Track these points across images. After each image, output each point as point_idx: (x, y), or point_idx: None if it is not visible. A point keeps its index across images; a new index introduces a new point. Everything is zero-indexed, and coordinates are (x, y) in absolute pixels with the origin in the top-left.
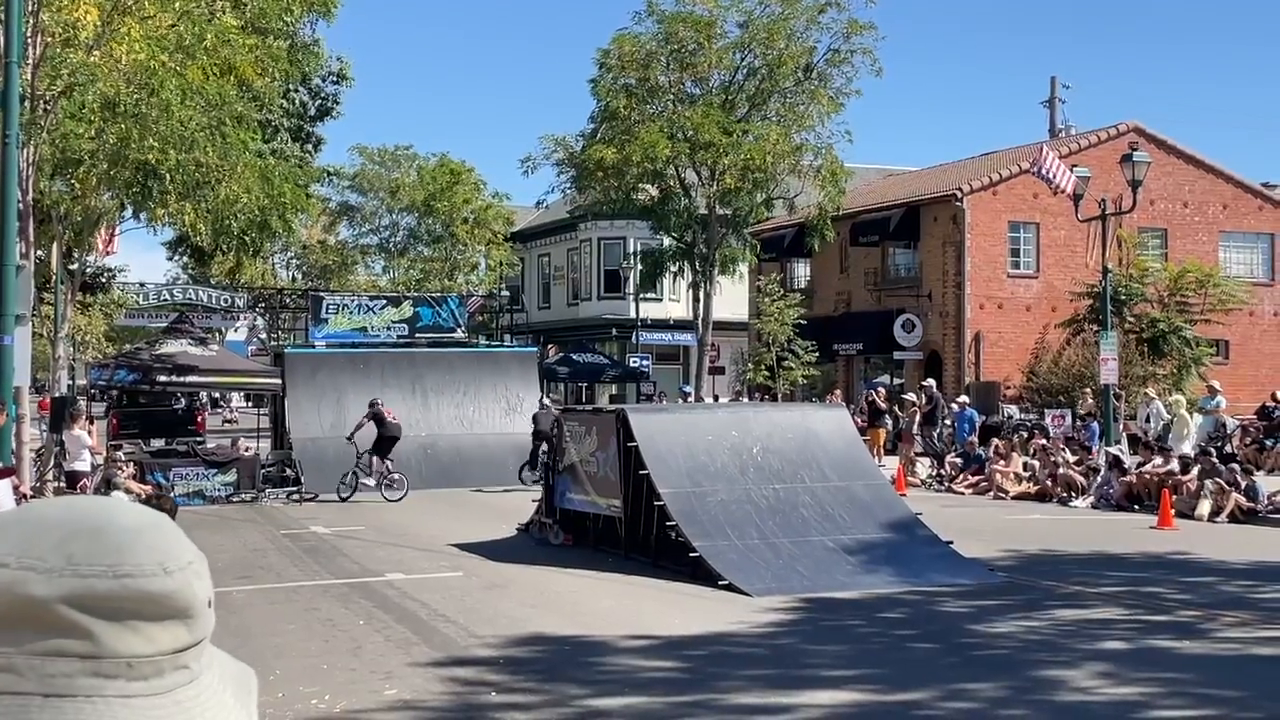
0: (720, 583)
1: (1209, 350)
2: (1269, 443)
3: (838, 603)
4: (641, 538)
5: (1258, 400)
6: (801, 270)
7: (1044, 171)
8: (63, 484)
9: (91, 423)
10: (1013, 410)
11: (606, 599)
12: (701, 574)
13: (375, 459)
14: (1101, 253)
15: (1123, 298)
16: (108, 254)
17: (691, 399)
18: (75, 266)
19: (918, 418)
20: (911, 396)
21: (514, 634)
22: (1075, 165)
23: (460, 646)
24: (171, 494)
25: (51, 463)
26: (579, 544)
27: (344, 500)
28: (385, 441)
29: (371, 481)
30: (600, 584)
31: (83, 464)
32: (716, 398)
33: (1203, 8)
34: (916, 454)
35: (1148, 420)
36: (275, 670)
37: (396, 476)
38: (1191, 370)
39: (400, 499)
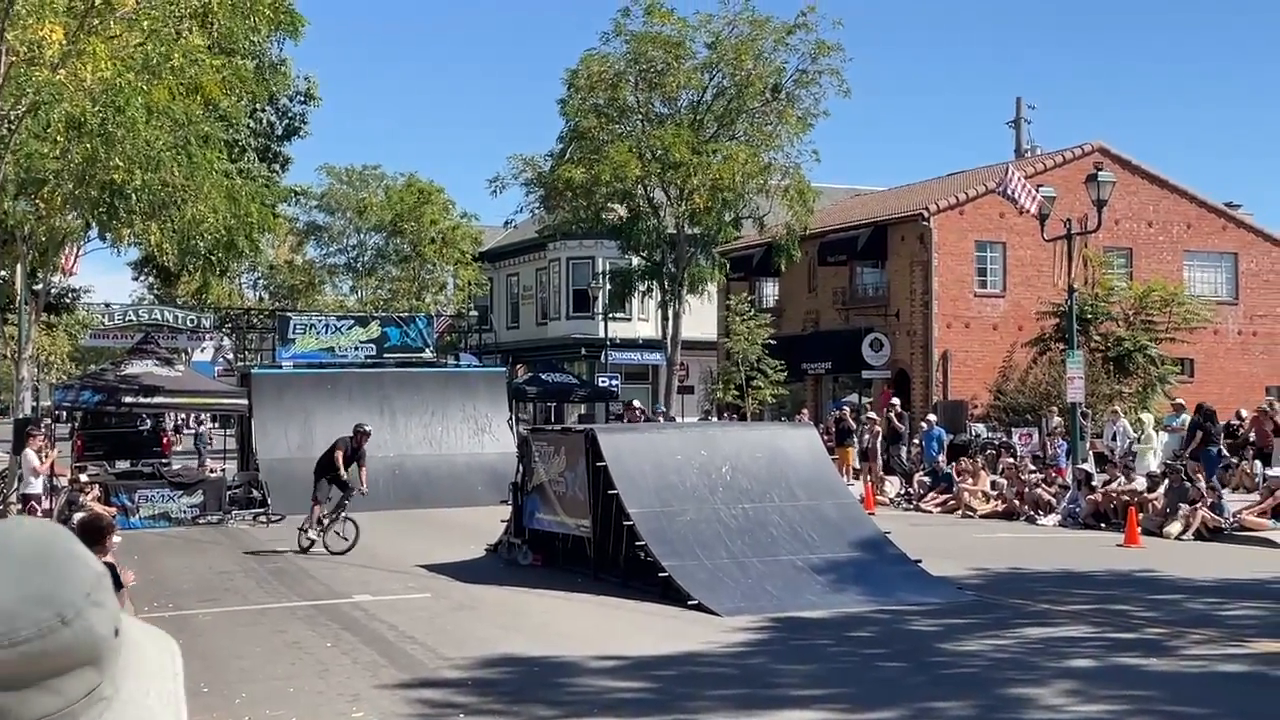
0: (690, 602)
1: (1174, 369)
2: (1234, 460)
3: (807, 622)
4: (611, 557)
5: (1222, 418)
6: (770, 289)
7: (1009, 191)
8: (20, 506)
9: (53, 446)
10: (980, 429)
11: (575, 619)
12: (671, 594)
13: None
14: (1067, 272)
15: (1088, 316)
16: (71, 274)
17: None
18: (40, 287)
19: (880, 437)
20: (873, 415)
21: (482, 655)
22: (1041, 185)
23: (428, 668)
24: (115, 515)
25: (15, 485)
26: (548, 564)
27: None
28: None
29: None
30: (569, 604)
31: (33, 487)
32: (672, 418)
33: (1167, 30)
34: (884, 474)
35: (1114, 439)
36: (241, 694)
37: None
38: (1157, 388)
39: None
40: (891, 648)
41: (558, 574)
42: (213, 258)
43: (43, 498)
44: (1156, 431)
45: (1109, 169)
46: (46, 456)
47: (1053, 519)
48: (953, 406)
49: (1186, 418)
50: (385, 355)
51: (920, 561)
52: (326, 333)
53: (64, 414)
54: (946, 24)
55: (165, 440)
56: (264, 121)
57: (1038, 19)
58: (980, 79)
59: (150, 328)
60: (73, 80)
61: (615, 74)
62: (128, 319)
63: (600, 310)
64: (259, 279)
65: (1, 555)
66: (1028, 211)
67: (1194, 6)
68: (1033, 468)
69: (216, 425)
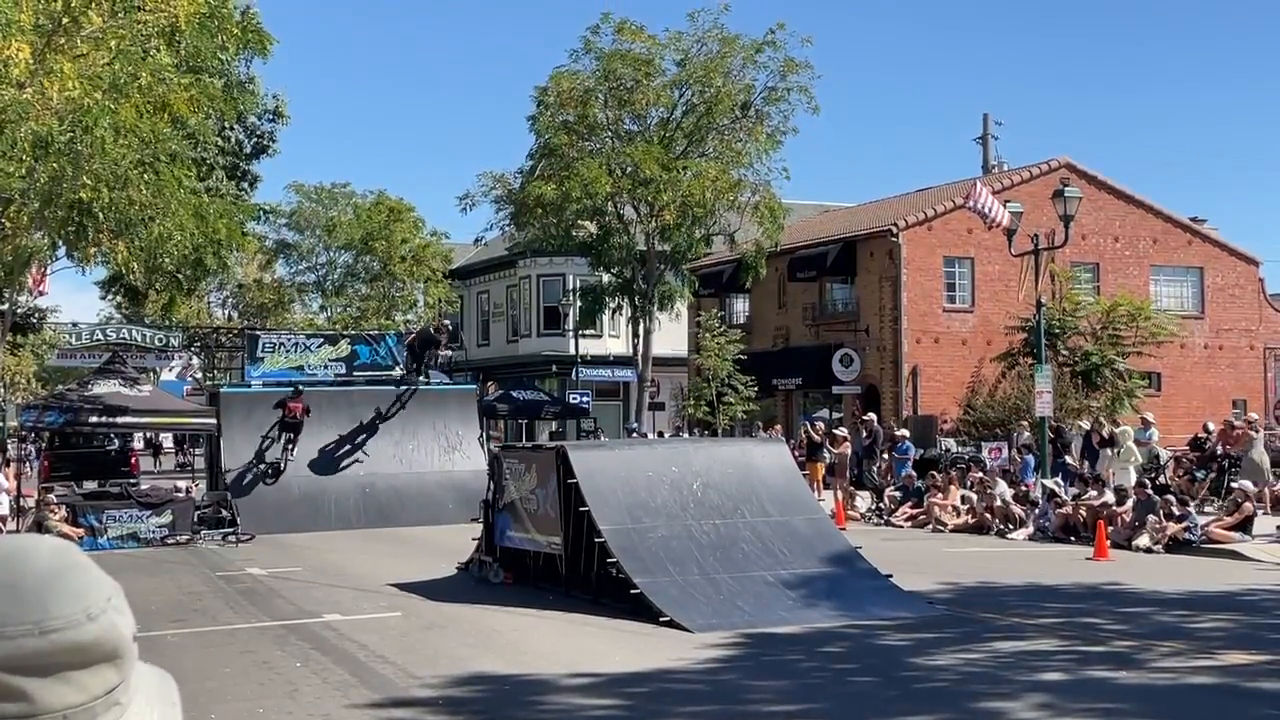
0: (661, 619)
1: (1141, 382)
2: (1201, 474)
3: (778, 637)
4: (582, 575)
5: (1190, 431)
6: (740, 306)
7: (977, 206)
8: None
9: (15, 465)
10: (950, 443)
11: (547, 637)
12: (642, 610)
13: None
14: (1035, 287)
15: (1056, 331)
16: (40, 294)
17: (652, 436)
18: (6, 307)
19: (848, 453)
20: (841, 431)
21: (454, 674)
22: (1008, 201)
23: (399, 688)
24: (83, 536)
25: None
26: (519, 582)
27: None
28: None
29: None
30: (541, 622)
31: (1, 507)
32: (645, 434)
33: (1133, 47)
34: (853, 489)
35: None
36: (210, 715)
37: None
38: (1125, 402)
39: None
40: (863, 662)
41: (529, 592)
42: (180, 275)
43: (8, 518)
44: (1136, 445)
45: (1075, 185)
46: (9, 477)
47: (1023, 533)
48: (923, 421)
49: (1155, 432)
50: (355, 373)
51: (891, 576)
52: (296, 351)
53: (31, 434)
54: (914, 41)
55: (134, 460)
56: (232, 140)
57: (1004, 36)
58: (948, 95)
59: (118, 347)
60: (39, 99)
61: (585, 91)
62: (95, 338)
63: (571, 327)
64: (228, 297)
65: (32, 556)
66: (996, 225)
67: (1159, 25)
68: (1002, 482)
69: (189, 445)
